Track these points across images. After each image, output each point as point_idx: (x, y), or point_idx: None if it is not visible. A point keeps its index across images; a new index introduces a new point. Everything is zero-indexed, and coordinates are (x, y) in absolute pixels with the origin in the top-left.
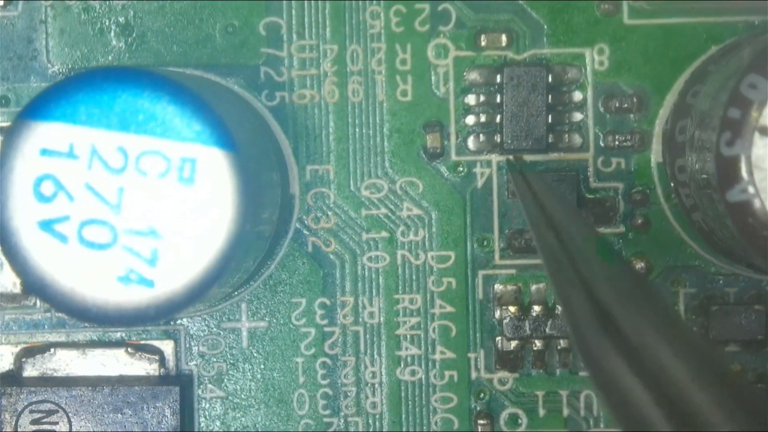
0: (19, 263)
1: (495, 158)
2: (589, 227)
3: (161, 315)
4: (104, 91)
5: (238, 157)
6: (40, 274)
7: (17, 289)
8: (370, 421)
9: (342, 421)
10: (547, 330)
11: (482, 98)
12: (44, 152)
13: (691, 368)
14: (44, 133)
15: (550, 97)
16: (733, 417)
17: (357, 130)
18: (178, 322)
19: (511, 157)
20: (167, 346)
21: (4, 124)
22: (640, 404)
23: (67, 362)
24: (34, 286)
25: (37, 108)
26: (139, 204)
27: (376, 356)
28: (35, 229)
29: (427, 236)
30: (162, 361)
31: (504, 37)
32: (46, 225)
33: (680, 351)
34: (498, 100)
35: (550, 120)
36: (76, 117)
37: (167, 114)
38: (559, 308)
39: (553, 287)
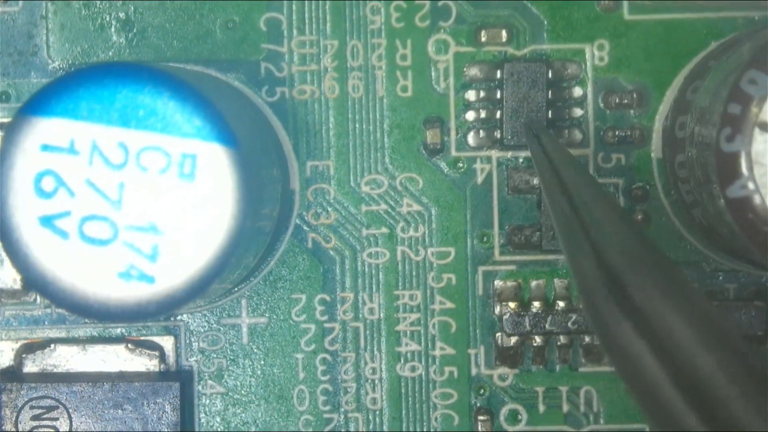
0: (19, 259)
1: (495, 154)
2: (602, 192)
3: (161, 311)
4: (105, 87)
5: (239, 152)
6: (40, 270)
7: (18, 285)
8: (370, 417)
9: (342, 417)
10: (547, 326)
11: (482, 94)
12: (45, 148)
13: (697, 331)
14: (45, 129)
15: (550, 92)
16: (735, 380)
17: (357, 125)
18: (179, 318)
19: (528, 120)
20: (167, 342)
21: (5, 120)
22: (647, 367)
23: (67, 358)
24: (34, 282)
25: (37, 103)
26: (140, 200)
27: (376, 352)
28: (36, 225)
29: (427, 232)
30: (162, 357)
31: (504, 33)
32: (47, 221)
33: (686, 314)
34: (498, 95)
35: (550, 116)
36: (77, 113)
37: (168, 110)
38: (559, 304)
39: (564, 251)
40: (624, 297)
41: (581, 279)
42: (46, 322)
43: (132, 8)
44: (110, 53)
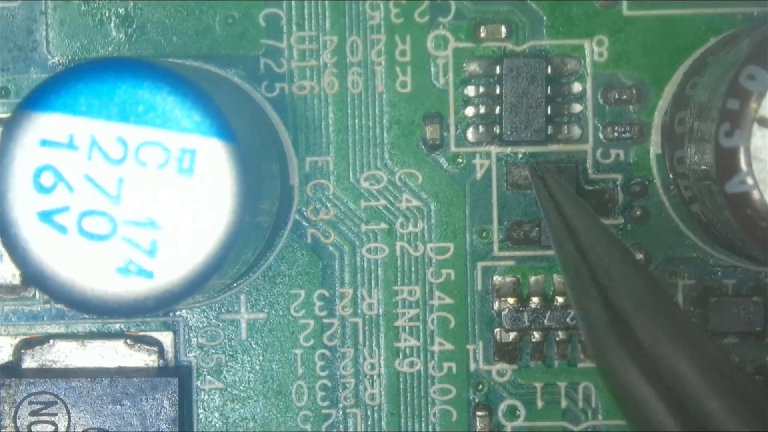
0: (18, 254)
1: (494, 150)
2: (608, 234)
3: (160, 306)
4: (104, 82)
5: (238, 148)
6: (39, 265)
7: (17, 281)
8: (369, 413)
9: (340, 412)
10: (545, 322)
11: (482, 89)
12: (44, 143)
13: (707, 377)
14: (44, 124)
15: (549, 88)
16: (746, 425)
17: (356, 121)
18: (177, 313)
19: (533, 162)
20: (166, 338)
21: (4, 115)
22: (655, 413)
23: (66, 354)
24: (33, 277)
25: (36, 99)
26: (139, 195)
27: (374, 348)
28: (35, 220)
29: (426, 228)
30: (161, 352)
31: (503, 29)
32: (46, 216)
33: (696, 359)
34: (497, 91)
35: (549, 111)
36: (76, 108)
37: (167, 105)
38: (557, 300)
39: (570, 294)
40: (632, 340)
41: (587, 322)
42: (45, 318)
43: (131, 4)
44: (110, 49)
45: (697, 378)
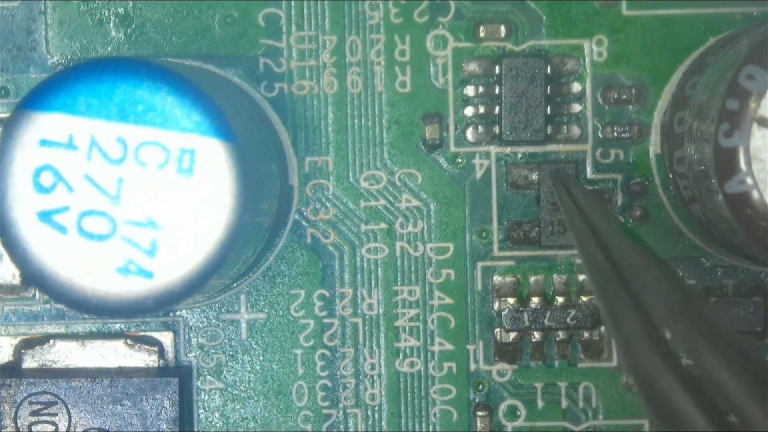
0: (18, 254)
1: (494, 150)
2: (638, 242)
3: (160, 306)
4: (103, 82)
5: (237, 147)
6: (39, 265)
7: (16, 281)
8: (369, 413)
9: (341, 412)
10: (545, 322)
11: (481, 89)
12: (43, 143)
13: (747, 384)
14: (43, 124)
15: (548, 88)
16: None
17: (356, 121)
18: (177, 313)
19: (554, 169)
20: (166, 338)
21: (4, 115)
22: (695, 423)
23: (66, 354)
24: (33, 277)
25: (36, 98)
26: (138, 195)
27: (375, 348)
28: (34, 220)
29: (425, 228)
30: (161, 352)
31: (503, 29)
32: (45, 216)
33: (734, 367)
34: (497, 91)
35: (548, 111)
36: (76, 107)
37: (166, 104)
38: (557, 300)
39: (600, 303)
40: (668, 348)
41: (621, 331)
42: (45, 318)
43: (131, 4)
44: (109, 48)
45: (736, 385)
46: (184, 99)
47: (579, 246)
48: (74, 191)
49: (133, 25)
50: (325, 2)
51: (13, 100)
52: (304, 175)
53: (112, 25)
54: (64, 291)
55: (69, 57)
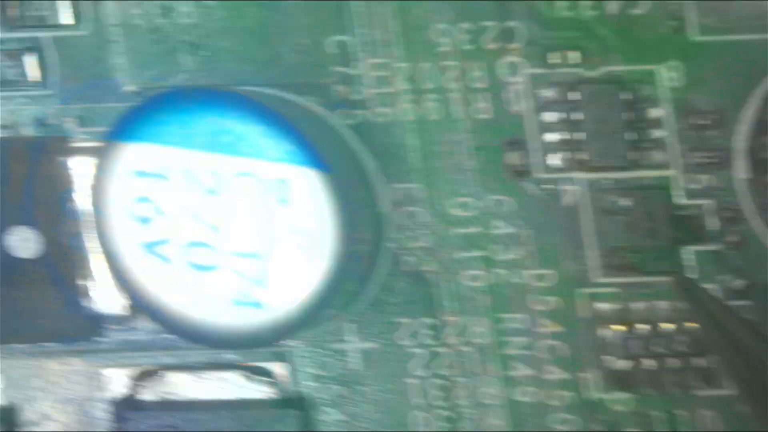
0: (126, 286)
1: (580, 175)
2: None
3: (275, 337)
4: (192, 112)
5: (331, 176)
6: (148, 297)
7: (125, 312)
8: None
9: None
10: (657, 348)
11: (560, 115)
12: (138, 174)
13: None
14: (136, 155)
15: (628, 114)
16: None
17: (440, 148)
18: (290, 344)
19: (678, 274)
20: (280, 369)
21: (86, 144)
22: None
23: (181, 385)
24: (143, 308)
25: (126, 129)
26: (239, 225)
27: (486, 377)
28: (140, 252)
29: (523, 254)
30: (277, 384)
31: (576, 55)
32: (150, 247)
33: None
34: (576, 117)
35: (631, 137)
36: (167, 138)
37: (257, 135)
38: (665, 326)
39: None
40: None
41: None
42: (157, 349)
43: (201, 32)
44: (183, 77)
45: None
46: (274, 128)
47: (721, 357)
48: (174, 222)
49: (206, 54)
50: (398, 29)
51: (89, 128)
52: (394, 202)
53: (183, 53)
54: (176, 322)
55: (143, 85)
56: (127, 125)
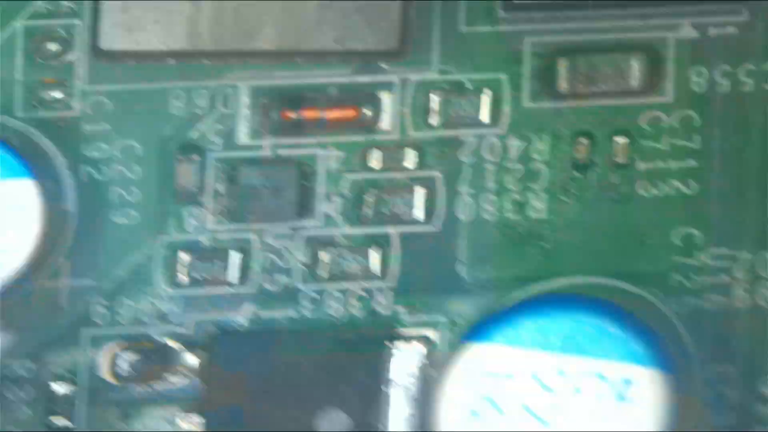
0: None
1: None
2: None
3: None
4: (548, 316)
5: (676, 377)
6: None
7: None
8: None
9: None
10: None
11: None
12: (487, 374)
13: None
14: (488, 356)
15: None
16: None
17: None
18: None
19: None
20: None
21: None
22: None
23: None
24: None
25: (484, 331)
26: (573, 421)
27: None
28: None
29: None
30: None
31: None
32: None
33: None
34: None
35: None
36: (523, 341)
37: (608, 335)
38: None
39: None
40: None
41: None
42: None
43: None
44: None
45: None
46: (624, 329)
47: None
48: (505, 415)
49: (548, 246)
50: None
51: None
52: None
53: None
54: None
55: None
56: (484, 328)
